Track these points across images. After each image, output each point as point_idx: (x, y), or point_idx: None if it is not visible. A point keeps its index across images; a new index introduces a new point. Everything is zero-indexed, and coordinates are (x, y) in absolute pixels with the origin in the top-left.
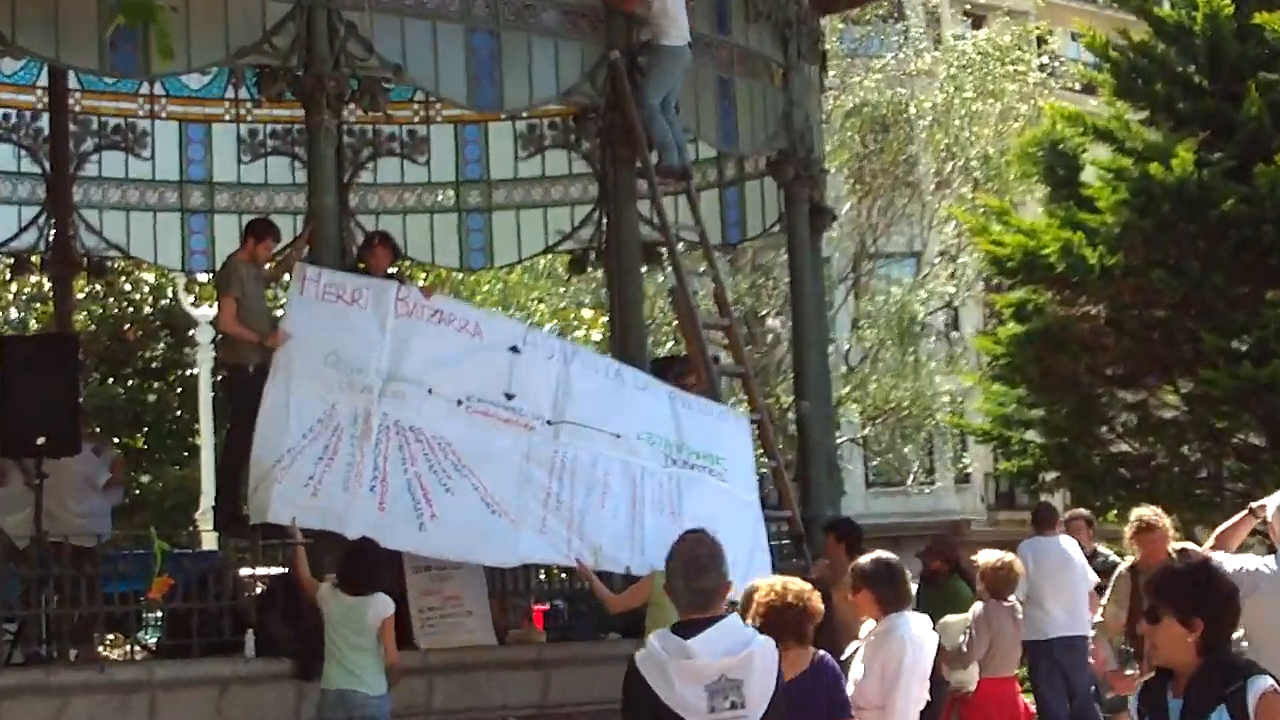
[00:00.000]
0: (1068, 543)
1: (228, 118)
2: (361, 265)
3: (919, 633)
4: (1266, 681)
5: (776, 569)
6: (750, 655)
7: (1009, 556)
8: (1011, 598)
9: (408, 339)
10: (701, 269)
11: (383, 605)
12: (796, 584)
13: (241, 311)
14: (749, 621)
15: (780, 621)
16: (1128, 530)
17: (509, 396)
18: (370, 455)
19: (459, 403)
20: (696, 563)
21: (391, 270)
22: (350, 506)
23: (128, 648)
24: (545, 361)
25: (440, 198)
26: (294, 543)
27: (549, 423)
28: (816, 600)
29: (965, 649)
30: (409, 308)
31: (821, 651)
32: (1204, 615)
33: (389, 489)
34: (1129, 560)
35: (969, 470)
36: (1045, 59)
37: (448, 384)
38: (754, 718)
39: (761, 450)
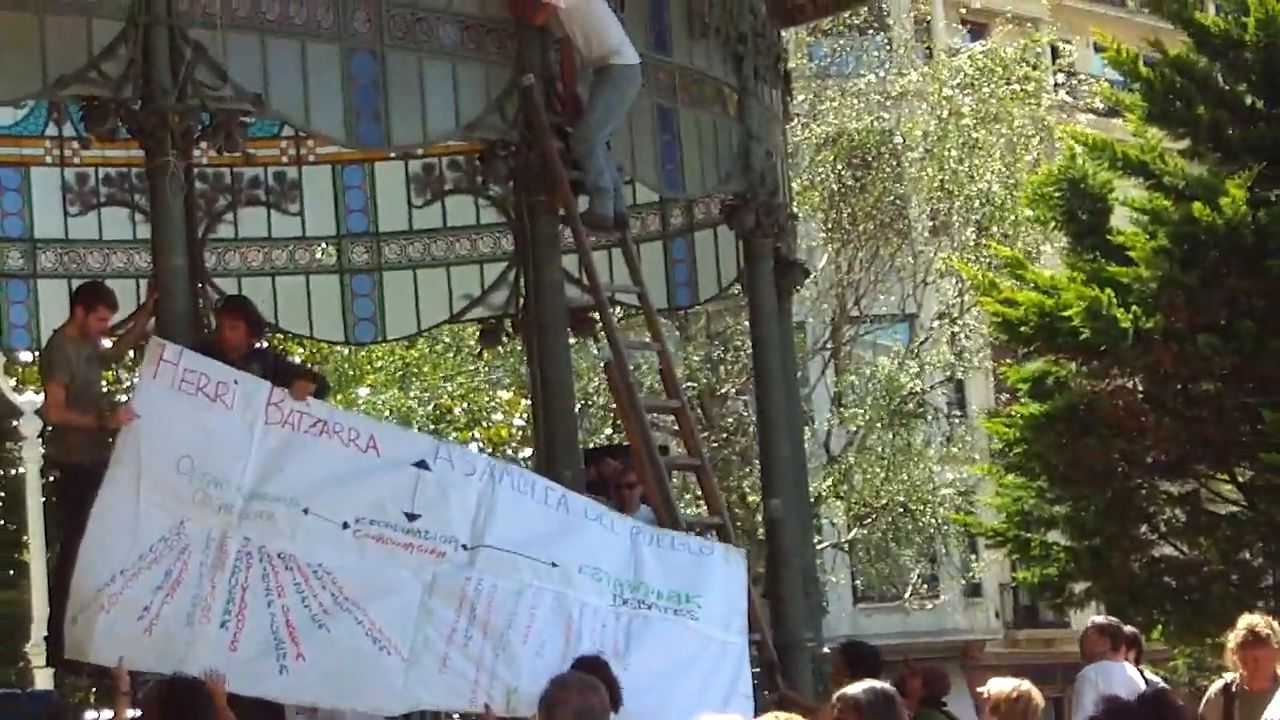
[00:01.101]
0: (1133, 670)
1: (49, 160)
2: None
3: None
4: None
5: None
6: None
7: (1025, 685)
8: None
9: (280, 453)
10: (644, 339)
11: None
12: None
13: (71, 399)
14: None
15: None
16: (1231, 641)
17: (411, 517)
18: (224, 586)
19: (344, 525)
20: (590, 716)
21: (259, 345)
22: (193, 645)
23: None
24: (464, 479)
25: (318, 256)
26: (119, 691)
27: (465, 547)
28: None
29: None
30: (284, 415)
31: None
32: None
33: (245, 625)
34: (1224, 680)
35: (980, 581)
36: (1061, 76)
37: (330, 505)
38: None
39: None
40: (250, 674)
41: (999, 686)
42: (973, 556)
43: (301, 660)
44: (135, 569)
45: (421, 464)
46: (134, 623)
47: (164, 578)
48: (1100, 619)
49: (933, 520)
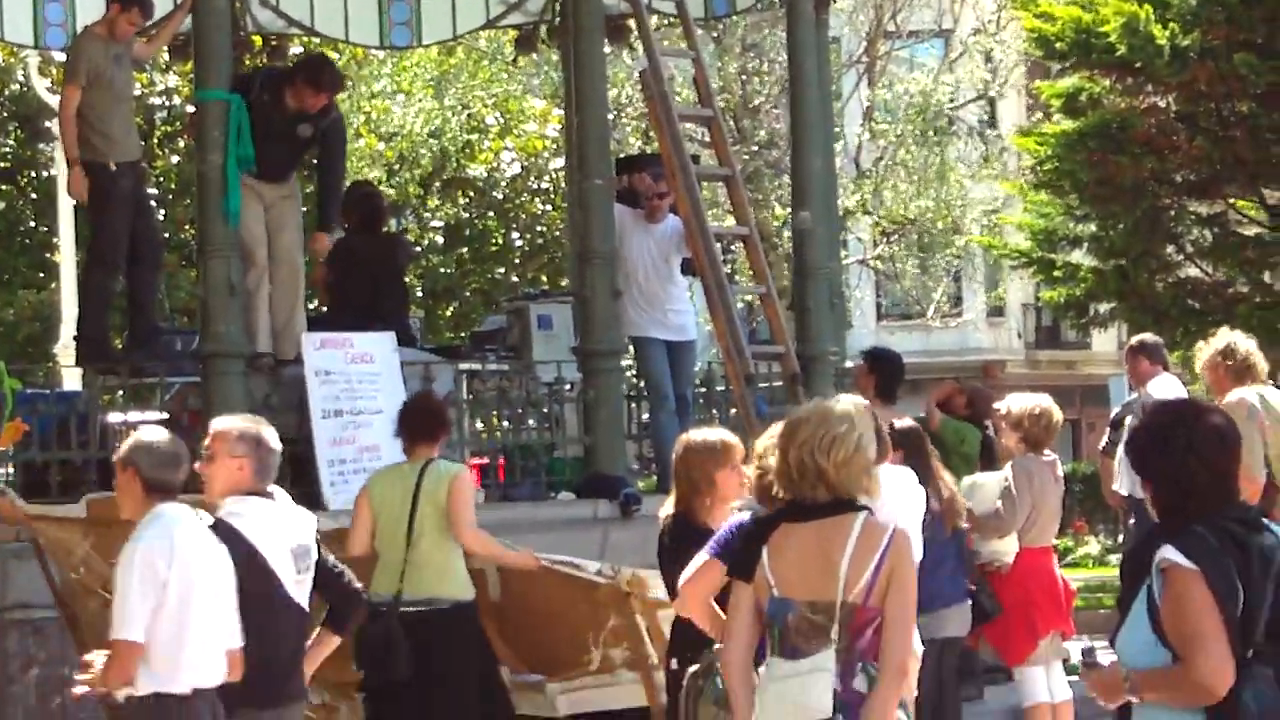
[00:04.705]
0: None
1: None
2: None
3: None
4: (1168, 553)
5: (767, 415)
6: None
7: (1045, 400)
8: (1048, 452)
9: None
10: (680, 48)
11: None
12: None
13: (103, 100)
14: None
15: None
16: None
17: None
18: None
19: None
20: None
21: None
22: None
23: None
24: None
25: None
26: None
27: None
28: None
29: (1003, 514)
30: None
31: None
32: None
33: None
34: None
35: (1003, 300)
36: None
37: None
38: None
39: (751, 273)
40: None
41: (1020, 403)
42: (998, 275)
43: None
44: None
45: None
46: None
47: None
48: (1139, 339)
49: (960, 239)
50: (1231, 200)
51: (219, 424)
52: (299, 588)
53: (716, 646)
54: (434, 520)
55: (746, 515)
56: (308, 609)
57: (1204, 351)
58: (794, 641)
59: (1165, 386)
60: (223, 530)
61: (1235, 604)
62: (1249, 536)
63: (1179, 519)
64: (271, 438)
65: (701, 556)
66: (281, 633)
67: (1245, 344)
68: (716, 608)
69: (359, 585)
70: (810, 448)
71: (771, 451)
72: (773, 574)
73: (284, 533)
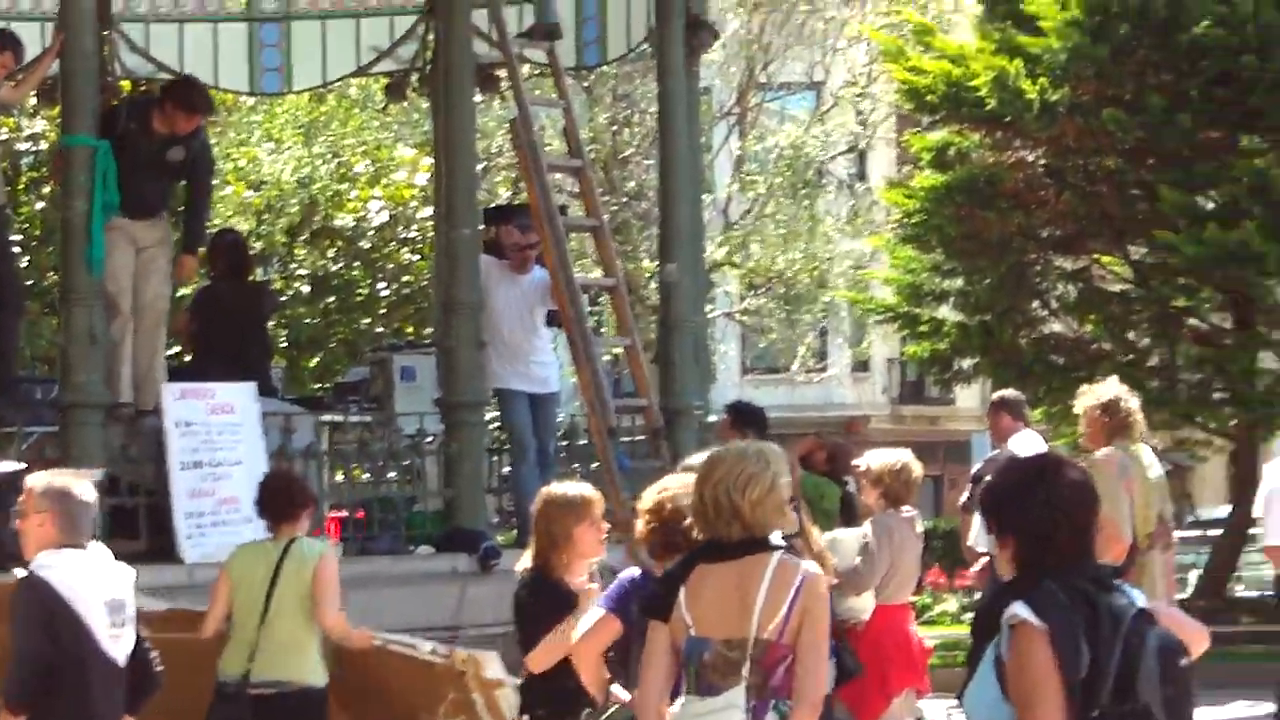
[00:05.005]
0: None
1: None
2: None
3: None
4: (1017, 610)
5: (629, 469)
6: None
7: (905, 456)
8: (908, 508)
9: None
10: (551, 98)
11: None
12: None
13: None
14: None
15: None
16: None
17: None
18: None
19: None
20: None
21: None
22: None
23: None
24: None
25: (227, 3)
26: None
27: None
28: None
29: (861, 571)
30: None
31: None
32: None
33: None
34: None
35: (868, 355)
36: None
37: None
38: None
39: (616, 325)
40: None
41: (880, 459)
42: (862, 333)
43: None
44: None
45: None
46: None
47: None
48: (1000, 395)
49: (825, 294)
50: (1096, 256)
51: (30, 480)
52: (114, 642)
53: (615, 708)
54: (293, 601)
55: (636, 571)
56: (123, 665)
57: (1086, 398)
58: (710, 679)
59: (1026, 443)
60: (32, 584)
61: (1078, 665)
62: (1099, 595)
63: (1035, 574)
64: (83, 491)
65: (595, 613)
66: (95, 688)
67: (1129, 402)
68: (602, 663)
69: (161, 669)
70: (726, 486)
71: (672, 501)
72: (689, 613)
73: (98, 586)
